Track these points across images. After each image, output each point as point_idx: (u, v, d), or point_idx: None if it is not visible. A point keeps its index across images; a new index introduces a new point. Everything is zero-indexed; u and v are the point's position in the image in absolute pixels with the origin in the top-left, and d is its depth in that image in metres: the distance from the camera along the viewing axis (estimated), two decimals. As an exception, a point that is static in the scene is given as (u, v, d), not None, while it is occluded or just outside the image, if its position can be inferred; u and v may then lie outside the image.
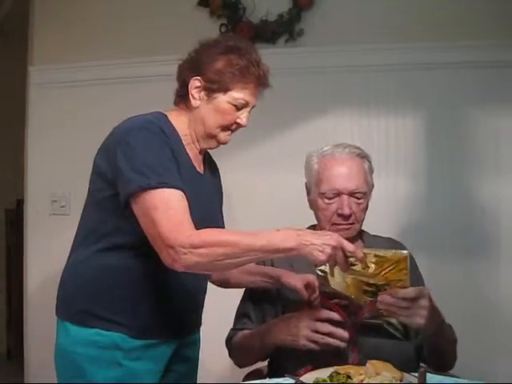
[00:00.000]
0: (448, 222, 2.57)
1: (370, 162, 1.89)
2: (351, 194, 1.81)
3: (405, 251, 1.58)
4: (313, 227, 1.93)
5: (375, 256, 1.53)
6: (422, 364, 1.68)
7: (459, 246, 2.55)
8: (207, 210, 1.67)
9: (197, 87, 1.63)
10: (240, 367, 1.94)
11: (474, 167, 2.56)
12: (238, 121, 1.64)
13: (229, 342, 1.90)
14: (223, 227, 1.78)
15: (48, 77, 3.01)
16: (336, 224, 1.82)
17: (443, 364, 1.81)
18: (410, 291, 1.54)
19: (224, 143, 1.69)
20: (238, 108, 1.63)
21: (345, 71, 2.66)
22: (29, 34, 3.13)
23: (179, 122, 1.65)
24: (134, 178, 1.47)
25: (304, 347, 1.65)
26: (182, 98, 1.68)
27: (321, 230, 1.86)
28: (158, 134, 1.55)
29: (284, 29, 2.72)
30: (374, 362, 1.48)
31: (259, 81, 1.65)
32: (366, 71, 2.65)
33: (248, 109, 1.66)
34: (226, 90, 1.61)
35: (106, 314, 1.56)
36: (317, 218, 1.89)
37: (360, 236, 1.93)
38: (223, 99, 1.62)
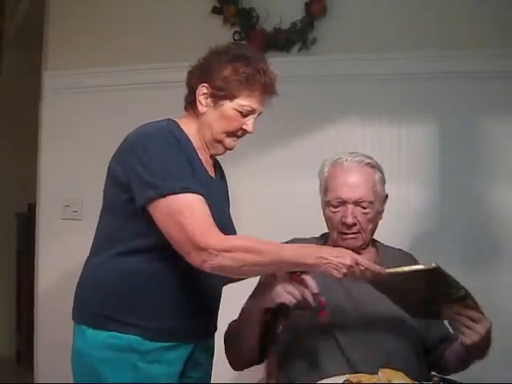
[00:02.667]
0: (459, 230, 2.56)
1: (381, 172, 1.88)
2: (356, 204, 1.80)
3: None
4: (326, 235, 1.94)
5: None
6: (434, 373, 1.68)
7: (471, 254, 2.54)
8: (221, 213, 1.68)
9: (204, 94, 1.65)
10: (234, 368, 1.88)
11: (485, 176, 2.56)
12: (244, 127, 1.66)
13: (225, 335, 1.87)
14: (235, 231, 1.79)
15: (62, 82, 3.03)
16: (342, 233, 1.81)
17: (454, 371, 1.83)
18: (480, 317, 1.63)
19: (230, 149, 1.70)
20: (244, 115, 1.65)
21: (357, 80, 2.67)
22: (43, 39, 3.16)
23: (189, 127, 1.68)
24: (154, 183, 1.50)
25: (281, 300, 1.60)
26: (190, 104, 1.70)
27: (331, 238, 1.88)
28: (173, 140, 1.58)
29: (297, 37, 2.73)
30: (385, 370, 1.49)
31: (266, 89, 1.67)
32: (378, 80, 2.65)
33: (254, 115, 1.67)
34: (232, 98, 1.63)
35: (122, 317, 1.56)
36: (327, 225, 1.89)
37: (374, 246, 1.92)
38: (229, 106, 1.64)
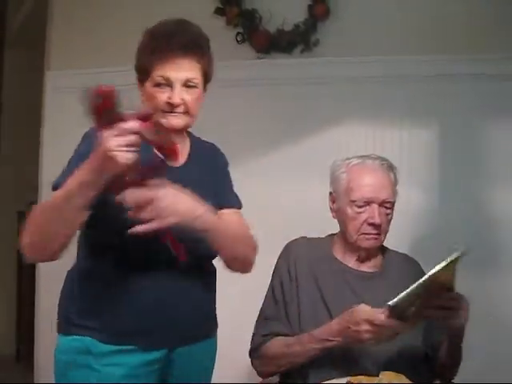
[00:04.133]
0: (460, 234, 2.55)
1: (395, 174, 1.90)
2: (381, 204, 1.81)
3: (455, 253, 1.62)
4: (332, 236, 1.94)
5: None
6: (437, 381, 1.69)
7: (471, 258, 2.53)
8: None
9: (138, 83, 1.64)
10: (264, 377, 1.87)
11: (486, 179, 2.56)
12: (169, 100, 1.55)
13: (258, 350, 1.82)
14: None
15: (64, 82, 3.04)
16: (365, 234, 1.81)
17: (450, 370, 1.83)
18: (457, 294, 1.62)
19: (174, 129, 1.58)
20: (163, 86, 1.56)
21: (359, 82, 2.67)
22: (46, 38, 3.16)
23: None
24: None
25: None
26: None
27: (344, 239, 1.88)
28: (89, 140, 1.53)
29: (300, 39, 2.74)
30: (387, 372, 1.49)
31: (171, 52, 1.55)
32: (380, 82, 2.65)
33: (177, 85, 1.55)
34: (148, 74, 1.58)
35: (79, 320, 1.56)
36: (343, 226, 1.87)
37: (381, 250, 1.93)
38: (148, 85, 1.58)
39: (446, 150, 2.61)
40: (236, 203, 1.77)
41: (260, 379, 1.91)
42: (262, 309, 1.90)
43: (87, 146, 1.47)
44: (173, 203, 1.42)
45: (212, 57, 1.65)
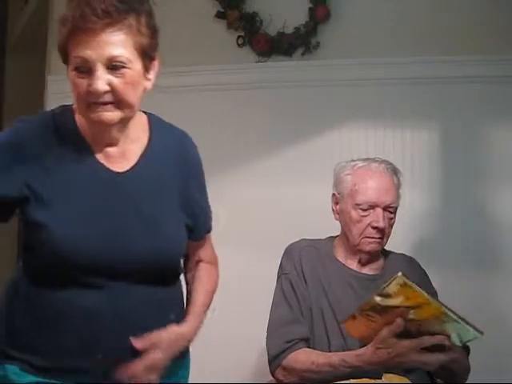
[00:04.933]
0: (462, 235, 2.55)
1: (399, 177, 1.90)
2: (385, 208, 1.82)
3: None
4: (333, 238, 1.94)
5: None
6: (438, 380, 1.68)
7: (473, 259, 2.54)
8: (122, 211, 1.32)
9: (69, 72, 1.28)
10: None
11: (488, 181, 2.55)
12: (90, 89, 1.22)
13: (280, 358, 1.76)
14: (168, 232, 1.37)
15: (66, 86, 3.01)
16: (368, 237, 1.82)
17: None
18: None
19: (102, 122, 1.27)
20: (82, 71, 1.23)
21: (360, 84, 2.66)
22: (47, 43, 3.16)
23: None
24: None
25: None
26: None
27: (347, 240, 1.87)
28: (14, 136, 1.31)
29: (301, 41, 2.73)
30: (389, 375, 1.48)
31: (90, 21, 1.19)
32: (381, 84, 2.65)
33: (98, 67, 1.22)
34: (66, 58, 1.27)
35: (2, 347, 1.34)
36: (346, 228, 1.87)
37: (382, 252, 1.93)
38: (69, 69, 1.26)
39: (448, 152, 2.61)
40: (208, 226, 1.52)
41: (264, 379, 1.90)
42: (275, 314, 1.84)
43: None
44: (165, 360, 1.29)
45: (150, 18, 1.29)
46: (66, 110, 1.37)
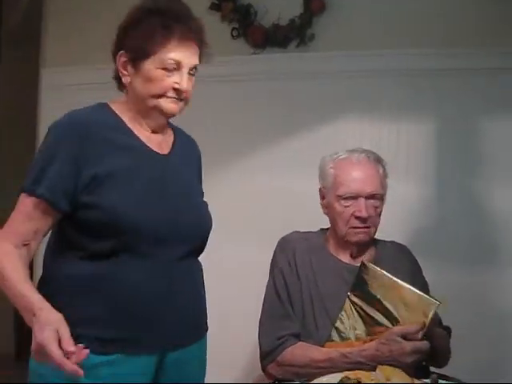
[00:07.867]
0: (457, 228, 2.56)
1: (384, 166, 1.91)
2: (368, 197, 1.82)
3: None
4: (325, 230, 1.94)
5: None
6: (433, 370, 1.69)
7: (468, 252, 2.55)
8: (174, 189, 1.53)
9: (123, 62, 1.51)
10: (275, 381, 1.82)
11: (484, 174, 2.56)
12: (176, 86, 1.48)
13: (273, 354, 1.77)
14: (203, 216, 1.60)
15: (60, 79, 3.03)
16: (353, 227, 1.83)
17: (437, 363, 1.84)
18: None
19: (170, 114, 1.53)
20: (170, 71, 1.47)
21: (355, 76, 2.66)
22: (41, 36, 3.15)
23: (121, 106, 1.55)
24: (27, 175, 1.45)
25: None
26: (118, 80, 1.58)
27: (336, 233, 1.88)
28: (67, 134, 1.45)
29: (295, 33, 2.73)
30: (384, 367, 1.49)
31: (186, 37, 1.49)
32: (376, 76, 2.65)
33: (185, 70, 1.49)
34: (151, 54, 1.47)
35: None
36: (333, 221, 1.89)
37: (373, 242, 1.93)
38: (151, 65, 1.47)
39: (444, 144, 2.61)
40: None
41: (255, 378, 1.90)
42: (266, 308, 1.86)
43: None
44: None
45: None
46: (104, 106, 1.57)
